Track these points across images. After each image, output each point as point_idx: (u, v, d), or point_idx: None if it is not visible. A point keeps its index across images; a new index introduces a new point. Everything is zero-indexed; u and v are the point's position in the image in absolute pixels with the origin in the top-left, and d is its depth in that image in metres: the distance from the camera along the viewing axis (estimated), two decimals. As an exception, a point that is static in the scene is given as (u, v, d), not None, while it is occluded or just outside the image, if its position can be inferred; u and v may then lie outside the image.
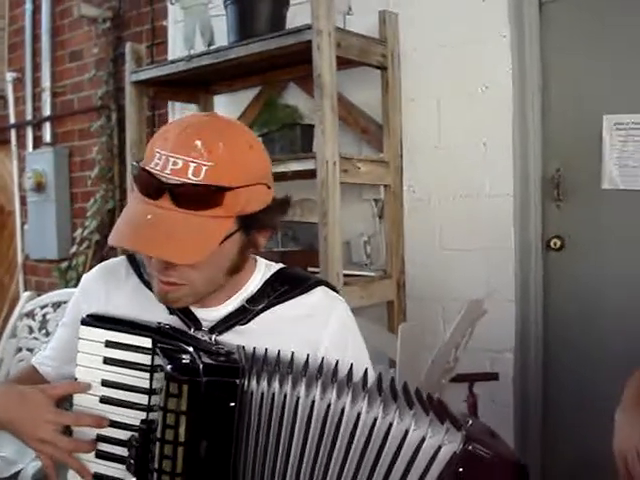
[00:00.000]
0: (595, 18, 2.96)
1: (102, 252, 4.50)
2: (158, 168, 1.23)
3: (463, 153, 3.10)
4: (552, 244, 3.05)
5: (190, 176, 1.21)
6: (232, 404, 1.20)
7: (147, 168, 1.24)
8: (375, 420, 1.13)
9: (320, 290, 1.46)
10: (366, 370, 1.22)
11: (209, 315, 1.39)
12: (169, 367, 1.20)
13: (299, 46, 2.91)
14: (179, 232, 1.22)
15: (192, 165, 1.21)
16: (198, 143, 1.22)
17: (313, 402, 1.18)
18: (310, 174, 2.87)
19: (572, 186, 3.02)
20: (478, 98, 3.07)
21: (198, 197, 1.22)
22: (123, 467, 1.26)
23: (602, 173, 2.93)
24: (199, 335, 1.34)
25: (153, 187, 1.23)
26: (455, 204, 3.14)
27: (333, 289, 1.51)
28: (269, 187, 1.35)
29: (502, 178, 3.02)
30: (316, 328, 1.40)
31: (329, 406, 1.17)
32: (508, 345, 3.05)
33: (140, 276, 1.43)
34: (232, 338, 1.34)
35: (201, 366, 1.19)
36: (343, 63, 3.00)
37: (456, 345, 2.12)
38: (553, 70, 3.07)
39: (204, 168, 1.21)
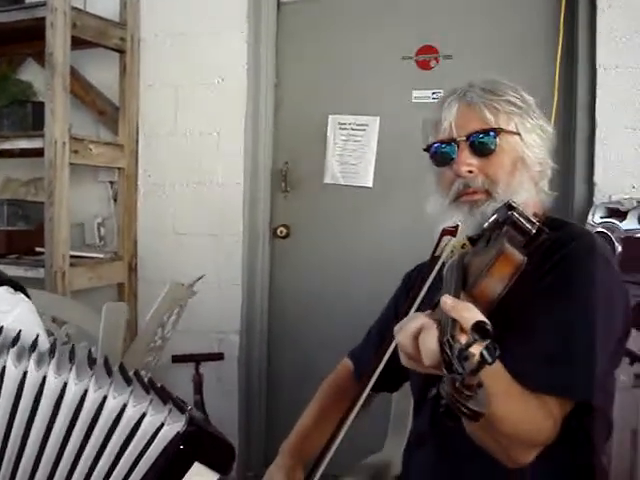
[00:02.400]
0: (328, 23, 3.18)
1: None
2: None
3: (198, 141, 3.21)
4: (279, 232, 3.25)
5: None
6: None
7: None
8: (86, 391, 1.09)
9: (3, 289, 1.50)
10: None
11: None
12: None
13: (33, 22, 2.86)
14: None
15: None
16: None
17: (3, 368, 1.11)
18: (42, 153, 2.83)
19: (298, 179, 3.23)
20: (214, 89, 3.19)
21: None
22: None
23: (325, 168, 3.16)
24: None
25: None
26: (189, 190, 3.23)
27: (20, 289, 1.54)
28: None
29: (233, 168, 3.16)
30: None
31: (25, 374, 1.10)
32: (234, 327, 3.20)
33: None
34: None
35: None
36: (80, 43, 2.99)
37: (161, 324, 2.21)
38: (287, 68, 3.27)
39: None
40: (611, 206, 2.44)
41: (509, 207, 1.25)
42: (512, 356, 1.22)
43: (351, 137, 3.14)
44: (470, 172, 1.35)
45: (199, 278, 2.51)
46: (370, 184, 3.08)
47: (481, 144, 1.35)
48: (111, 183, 3.35)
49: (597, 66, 2.72)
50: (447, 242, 1.30)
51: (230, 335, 3.21)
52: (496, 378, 1.07)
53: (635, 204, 2.36)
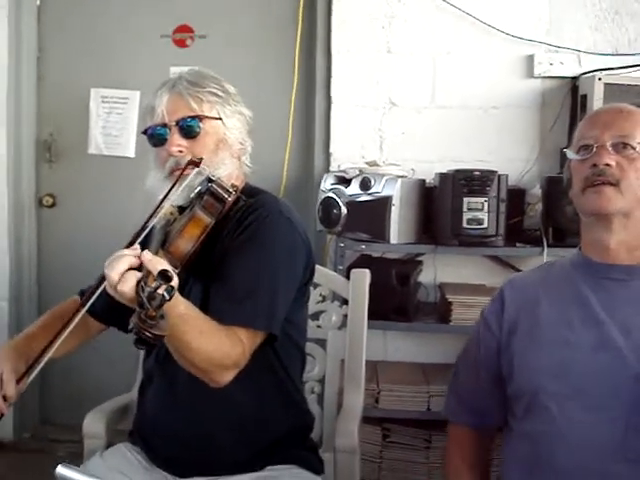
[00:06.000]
0: (91, -1, 3.32)
1: None
2: None
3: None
4: (44, 201, 3.37)
5: None
6: None
7: None
8: None
9: None
10: None
11: None
12: None
13: None
14: None
15: None
16: None
17: None
18: None
19: (63, 149, 3.37)
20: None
21: None
22: None
23: (89, 139, 3.32)
24: None
25: None
26: (-49, 162, 3.26)
27: None
28: None
29: (-3, 139, 3.23)
30: None
31: None
32: (2, 294, 3.29)
33: None
34: None
35: None
36: None
37: None
38: (50, 41, 3.37)
39: None
40: (339, 174, 2.80)
41: (209, 180, 1.54)
42: (214, 298, 1.53)
43: (113, 110, 3.31)
44: (180, 152, 1.61)
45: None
46: (132, 154, 3.27)
47: (188, 127, 1.61)
48: None
49: (332, 50, 3.08)
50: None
51: (-1, 303, 3.30)
52: (187, 318, 1.36)
53: (357, 172, 2.73)
